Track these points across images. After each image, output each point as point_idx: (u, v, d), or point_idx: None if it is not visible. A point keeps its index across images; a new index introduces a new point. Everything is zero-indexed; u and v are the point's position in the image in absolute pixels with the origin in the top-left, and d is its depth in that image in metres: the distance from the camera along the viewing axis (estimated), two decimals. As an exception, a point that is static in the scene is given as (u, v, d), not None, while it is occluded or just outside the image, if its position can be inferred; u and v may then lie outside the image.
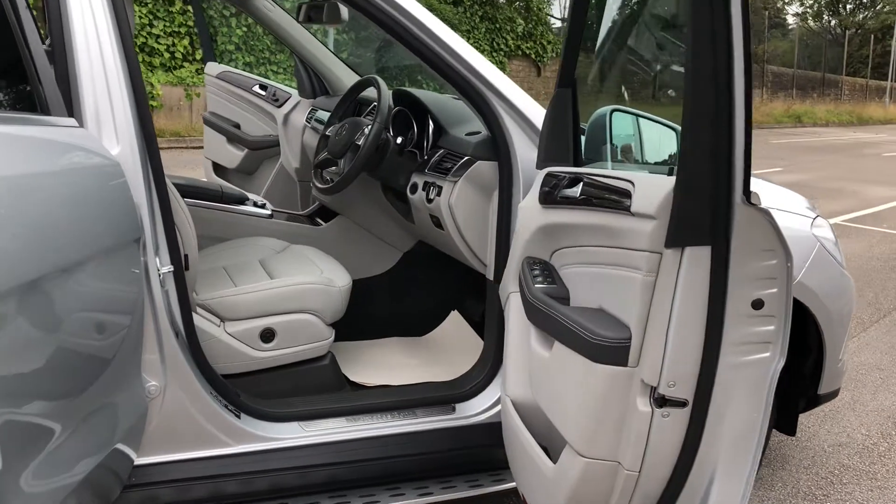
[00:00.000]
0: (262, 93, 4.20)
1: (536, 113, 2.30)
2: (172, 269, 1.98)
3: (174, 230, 2.00)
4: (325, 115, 3.50)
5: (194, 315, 2.16)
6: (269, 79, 4.43)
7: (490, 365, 2.44)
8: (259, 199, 2.96)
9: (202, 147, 4.65)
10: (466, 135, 2.49)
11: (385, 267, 3.08)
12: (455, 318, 3.10)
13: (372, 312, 2.80)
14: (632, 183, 1.54)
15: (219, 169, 4.48)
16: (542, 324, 1.81)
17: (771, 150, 16.21)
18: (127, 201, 1.79)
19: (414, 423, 2.33)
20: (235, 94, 4.33)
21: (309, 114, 3.77)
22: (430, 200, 2.48)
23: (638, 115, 2.07)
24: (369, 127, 2.59)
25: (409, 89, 2.75)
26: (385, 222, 3.02)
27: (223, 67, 4.43)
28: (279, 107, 4.09)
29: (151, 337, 1.96)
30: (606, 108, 2.09)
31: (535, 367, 1.85)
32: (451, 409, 2.41)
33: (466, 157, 2.37)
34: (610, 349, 1.54)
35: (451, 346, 2.97)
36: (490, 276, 2.43)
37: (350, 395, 2.43)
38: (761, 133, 21.12)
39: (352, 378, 2.61)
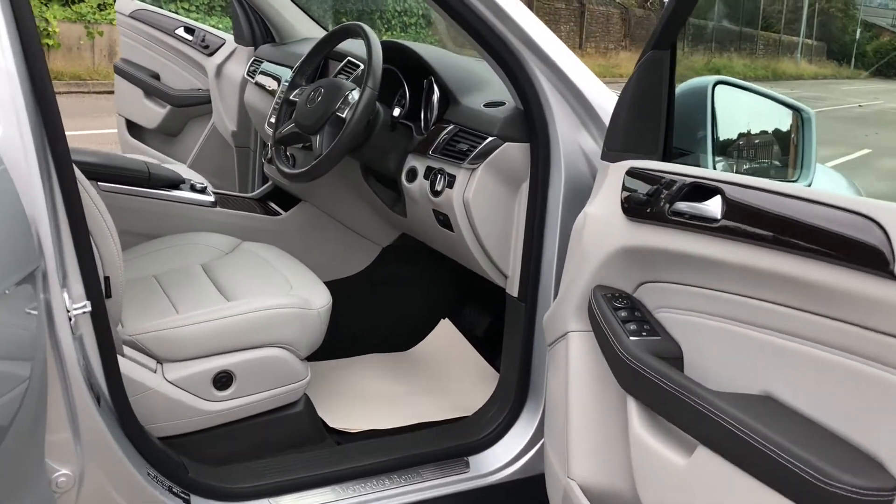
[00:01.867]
0: (188, 37, 3.45)
1: (586, 79, 1.72)
2: (89, 306, 1.34)
3: (90, 248, 1.35)
4: (273, 70, 2.81)
5: (120, 360, 1.52)
6: (180, 16, 3.66)
7: (511, 403, 1.89)
8: (198, 180, 2.28)
9: (109, 92, 3.85)
10: (485, 106, 1.88)
11: (360, 266, 2.45)
12: (446, 328, 2.52)
13: (345, 323, 2.19)
14: (874, 222, 0.96)
15: (134, 129, 3.72)
16: (659, 404, 1.25)
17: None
18: (12, 212, 1.14)
19: (420, 489, 1.77)
20: (154, 38, 3.55)
21: (251, 66, 3.06)
22: (436, 193, 1.88)
23: (757, 92, 1.51)
24: (355, 92, 1.94)
25: (399, 41, 2.11)
26: (362, 212, 2.39)
27: (137, 4, 3.64)
28: (210, 55, 3.36)
29: (59, 407, 1.33)
30: (705, 80, 1.52)
31: (649, 467, 1.28)
32: (463, 464, 1.85)
33: (491, 139, 1.77)
34: None
35: (443, 367, 2.39)
36: (513, 290, 1.87)
37: (334, 453, 1.84)
38: (686, 87, 21.06)
39: (331, 423, 2.01)
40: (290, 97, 2.13)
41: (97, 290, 1.38)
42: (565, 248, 1.73)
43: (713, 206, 1.20)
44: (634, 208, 1.36)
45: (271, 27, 3.09)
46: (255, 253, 2.09)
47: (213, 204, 2.23)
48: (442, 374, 2.35)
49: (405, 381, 2.31)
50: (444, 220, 1.91)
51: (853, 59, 38.99)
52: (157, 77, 3.58)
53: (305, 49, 2.81)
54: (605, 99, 1.75)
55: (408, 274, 2.49)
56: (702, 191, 1.24)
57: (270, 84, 2.74)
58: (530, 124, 1.75)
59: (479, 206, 1.82)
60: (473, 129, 1.84)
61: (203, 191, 2.24)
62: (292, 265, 2.03)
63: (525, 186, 1.81)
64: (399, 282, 2.49)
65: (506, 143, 1.77)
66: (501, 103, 1.87)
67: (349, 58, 2.29)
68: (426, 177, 1.92)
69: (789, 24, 38.09)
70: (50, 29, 10.11)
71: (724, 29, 31.98)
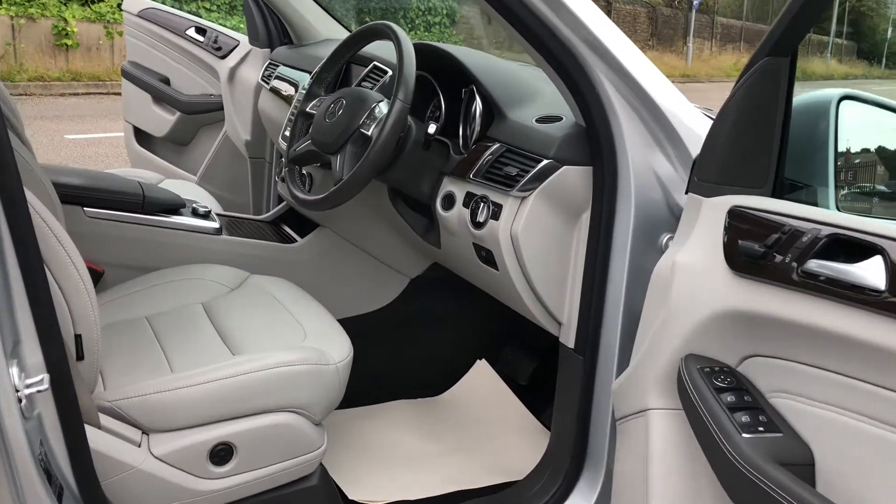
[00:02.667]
0: (200, 38, 3.17)
1: (662, 88, 1.42)
2: (47, 381, 1.05)
3: (49, 302, 1.07)
4: (290, 74, 2.52)
5: (96, 434, 1.24)
6: (201, 17, 3.38)
7: (565, 472, 1.59)
8: (201, 204, 1.99)
9: None
10: (536, 121, 1.58)
11: (384, 300, 2.15)
12: (482, 371, 2.21)
13: (367, 365, 1.89)
14: None
15: (142, 137, 3.44)
16: None
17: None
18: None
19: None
20: (163, 39, 3.28)
21: (266, 70, 2.77)
22: (478, 224, 1.57)
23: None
24: (383, 105, 1.64)
25: (433, 43, 1.80)
26: (388, 239, 2.09)
27: (146, 2, 3.37)
28: (223, 58, 3.08)
29: (6, 509, 1.04)
30: (826, 95, 1.21)
31: None
32: None
33: (546, 162, 1.47)
34: None
35: (481, 417, 2.09)
36: (568, 340, 1.57)
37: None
38: (713, 87, 20.62)
39: (351, 495, 1.71)
40: (307, 109, 1.83)
41: (60, 356, 1.09)
42: (634, 293, 1.43)
43: (871, 272, 0.88)
44: (745, 261, 1.05)
45: (288, 27, 2.80)
46: (264, 290, 1.80)
47: (218, 231, 1.94)
48: (479, 427, 2.05)
49: (437, 436, 2.00)
50: (488, 257, 1.60)
51: (884, 59, 38.23)
52: (166, 81, 3.31)
53: (325, 52, 2.52)
54: (685, 113, 1.45)
55: (439, 308, 2.19)
56: (849, 246, 0.93)
57: (287, 90, 2.46)
58: (594, 143, 1.45)
59: (530, 241, 1.51)
60: (524, 150, 1.54)
61: (206, 215, 1.95)
62: (307, 305, 1.74)
63: (585, 218, 1.52)
64: (429, 317, 2.19)
65: (564, 167, 1.47)
66: (557, 118, 1.57)
67: (375, 63, 2.00)
68: (466, 205, 1.62)
69: (818, 22, 37.35)
70: (69, 29, 9.92)
71: (752, 28, 31.41)
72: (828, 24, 36.20)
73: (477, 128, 1.65)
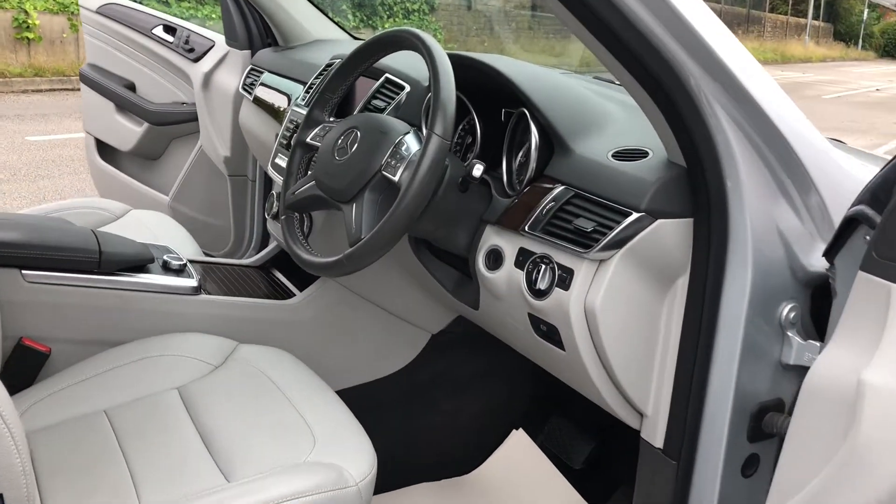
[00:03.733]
0: (169, 38, 2.77)
1: (790, 117, 1.08)
2: None
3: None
4: (277, 83, 2.14)
5: None
6: (170, 5, 2.95)
7: None
8: (173, 254, 1.59)
9: None
10: (613, 157, 1.21)
11: (401, 362, 1.77)
12: (520, 444, 1.84)
13: (383, 441, 1.51)
14: None
15: (105, 150, 3.03)
16: None
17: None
18: None
19: None
20: (127, 40, 2.87)
21: (247, 77, 2.38)
22: (538, 292, 1.21)
23: None
24: (410, 140, 1.26)
25: (467, 54, 1.42)
26: (408, 292, 1.71)
27: (106, -4, 2.94)
28: (195, 61, 2.69)
29: None
30: None
31: None
32: None
33: (636, 215, 1.11)
34: None
35: (520, 500, 1.72)
36: (653, 437, 1.22)
37: None
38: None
39: None
40: (307, 139, 1.44)
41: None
42: (748, 381, 1.10)
43: None
44: None
45: (272, 26, 2.41)
46: (256, 367, 1.42)
47: (196, 290, 1.55)
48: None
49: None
50: (549, 332, 1.24)
51: (860, 41, 38.28)
52: (132, 88, 2.90)
53: (318, 56, 2.13)
54: (815, 147, 1.09)
55: (466, 369, 1.82)
56: None
57: (276, 101, 2.07)
58: (699, 190, 1.09)
59: (610, 316, 1.15)
60: (601, 197, 1.17)
61: (181, 270, 1.56)
62: (312, 390, 1.37)
63: (682, 284, 1.16)
64: (454, 380, 1.82)
65: (658, 221, 1.11)
66: (640, 153, 1.21)
67: (388, 75, 1.61)
68: (520, 265, 1.25)
69: (796, 4, 37.19)
70: (30, 21, 9.37)
71: (731, 12, 31.22)
72: (805, 6, 36.05)
73: (532, 164, 1.27)
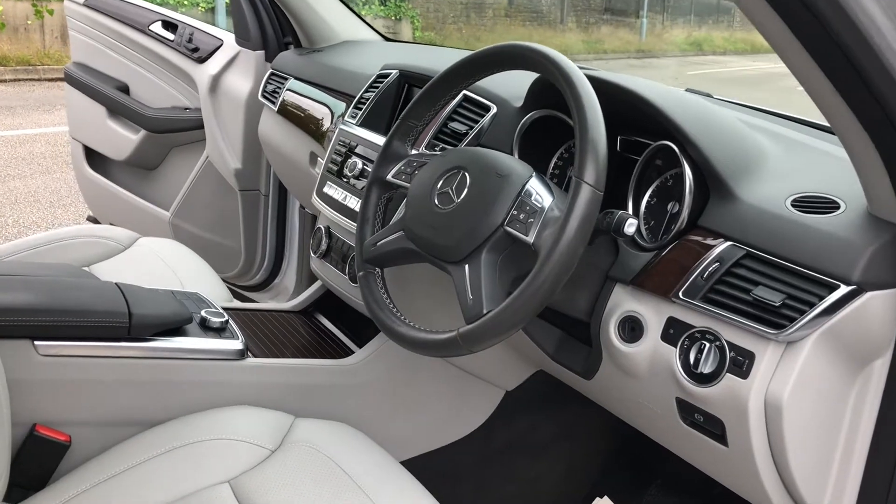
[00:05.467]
0: (169, 36, 2.47)
1: None
2: None
3: None
4: (311, 92, 1.87)
5: None
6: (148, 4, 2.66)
7: None
8: (213, 311, 1.32)
9: (60, 80, 2.81)
10: (794, 206, 0.97)
11: (472, 424, 1.52)
12: (607, 513, 1.61)
13: None
14: None
15: (95, 159, 2.72)
16: None
17: (690, 82, 15.22)
18: None
19: None
20: (120, 37, 2.56)
21: (268, 83, 2.11)
22: (700, 377, 0.97)
23: None
24: (537, 186, 1.00)
25: (593, 71, 1.16)
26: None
27: (95, -12, 2.64)
28: (201, 61, 2.39)
29: None
30: None
31: None
32: None
33: (850, 288, 0.87)
34: None
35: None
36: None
37: None
38: (672, 62, 20.27)
39: None
40: (389, 176, 1.17)
41: None
42: None
43: None
44: None
45: (295, 25, 2.13)
46: (317, 450, 1.16)
47: (242, 353, 1.28)
48: None
49: None
50: (707, 424, 1.00)
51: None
52: (125, 90, 2.60)
53: (354, 62, 1.87)
54: None
55: (544, 429, 1.58)
56: None
57: (313, 114, 1.80)
58: None
59: (797, 410, 0.93)
60: (787, 261, 0.93)
61: (223, 329, 1.28)
62: (382, 469, 1.13)
63: (879, 366, 0.94)
64: (531, 443, 1.57)
65: (867, 294, 0.87)
66: (828, 202, 0.97)
67: (467, 91, 1.35)
68: (671, 339, 1.01)
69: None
70: (-8, 8, 8.88)
71: (700, 2, 31.22)
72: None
73: (685, 212, 1.03)
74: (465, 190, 1.03)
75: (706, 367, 0.97)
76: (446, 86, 1.14)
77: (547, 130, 1.26)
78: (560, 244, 0.90)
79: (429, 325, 1.06)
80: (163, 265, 1.71)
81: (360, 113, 1.54)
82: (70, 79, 2.67)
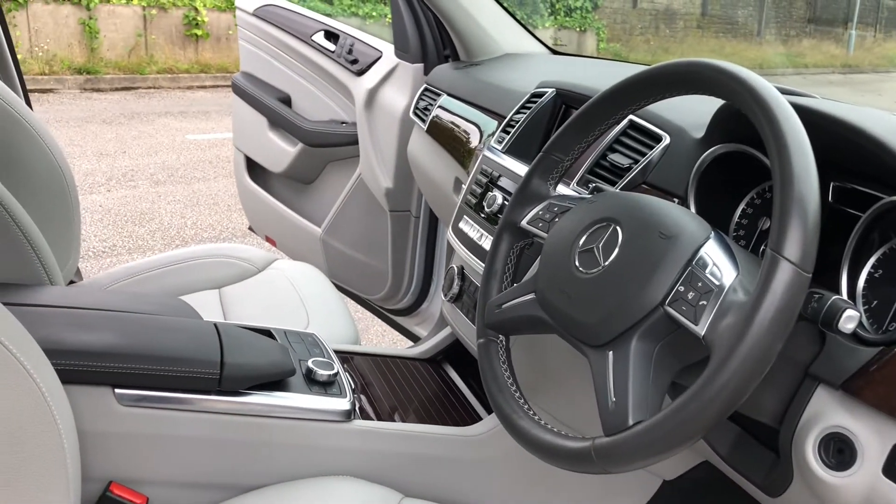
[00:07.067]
0: (330, 47, 2.38)
1: None
2: None
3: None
4: (460, 108, 1.69)
5: None
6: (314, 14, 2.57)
7: None
8: (321, 362, 1.15)
9: None
10: None
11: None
12: None
13: None
14: None
15: (256, 170, 2.70)
16: None
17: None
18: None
19: None
20: (284, 47, 2.51)
21: (420, 98, 1.95)
22: None
23: None
24: (717, 255, 0.74)
25: (806, 99, 0.89)
26: None
27: (265, -3, 2.61)
28: (359, 74, 2.28)
29: None
30: None
31: None
32: None
33: None
34: None
35: None
36: None
37: None
38: (879, 78, 18.42)
39: None
40: (523, 222, 0.95)
41: None
42: None
43: None
44: None
45: (453, 35, 1.95)
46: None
47: (349, 414, 1.11)
48: None
49: None
50: None
51: None
52: (287, 101, 2.54)
53: (512, 77, 1.66)
54: None
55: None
56: None
57: (460, 134, 1.62)
58: None
59: None
60: None
61: (330, 383, 1.12)
62: None
63: None
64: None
65: None
66: None
67: (634, 117, 1.10)
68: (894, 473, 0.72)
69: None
70: (199, 18, 9.52)
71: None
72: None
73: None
74: (616, 250, 0.79)
75: None
76: (601, 113, 0.91)
77: (733, 170, 0.99)
78: (744, 344, 0.65)
79: (559, 416, 0.83)
80: (293, 293, 1.59)
81: (508, 138, 1.33)
82: (236, 88, 2.67)
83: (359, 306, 2.61)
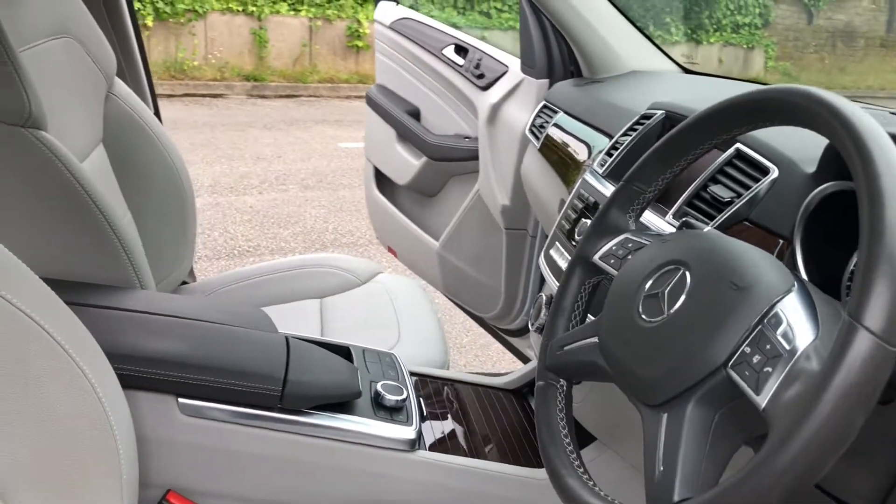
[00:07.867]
0: (459, 61, 2.36)
1: None
2: None
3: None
4: (575, 127, 1.61)
5: None
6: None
7: None
8: (391, 386, 1.11)
9: None
10: None
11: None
12: None
13: None
14: None
15: (383, 181, 2.73)
16: None
17: None
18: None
19: None
20: (416, 60, 2.52)
21: (538, 115, 1.89)
22: None
23: None
24: (795, 317, 0.64)
25: None
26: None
27: (401, 11, 2.63)
28: (484, 88, 2.24)
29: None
30: None
31: None
32: None
33: None
34: None
35: None
36: None
37: None
38: None
39: None
40: (595, 257, 0.87)
41: None
42: None
43: None
44: None
45: (576, 51, 1.88)
46: None
47: (413, 444, 1.06)
48: None
49: None
50: None
51: None
52: (416, 115, 2.55)
53: (630, 97, 1.56)
54: None
55: None
56: None
57: (571, 154, 1.55)
58: None
59: None
60: None
61: (397, 409, 1.08)
62: None
63: None
64: None
65: None
66: None
67: (740, 145, 0.99)
68: None
69: None
70: (361, 30, 9.87)
71: None
72: None
73: None
74: (682, 298, 0.70)
75: None
76: (684, 143, 0.81)
77: (849, 210, 0.87)
78: (809, 423, 0.54)
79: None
80: (389, 308, 1.57)
81: (610, 161, 1.24)
82: (370, 101, 2.71)
83: (474, 324, 2.58)
